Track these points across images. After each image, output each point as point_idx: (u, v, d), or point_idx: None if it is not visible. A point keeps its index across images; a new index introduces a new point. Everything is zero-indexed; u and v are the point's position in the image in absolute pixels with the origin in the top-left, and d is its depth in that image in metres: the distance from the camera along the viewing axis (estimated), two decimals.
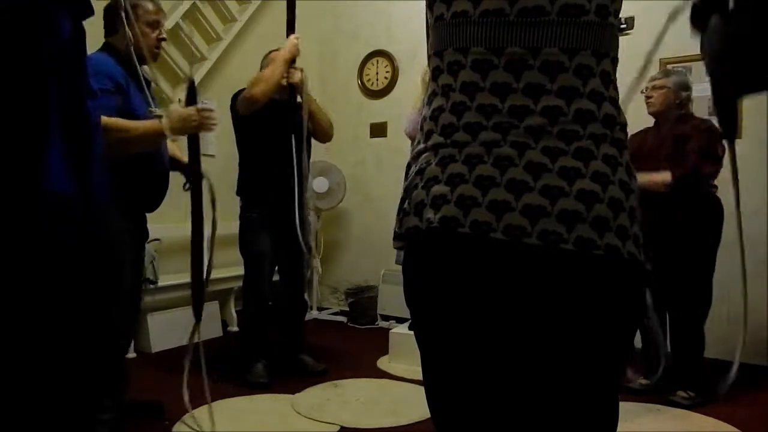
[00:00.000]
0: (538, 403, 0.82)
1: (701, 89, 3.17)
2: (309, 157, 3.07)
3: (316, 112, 3.05)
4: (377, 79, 4.89)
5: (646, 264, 0.83)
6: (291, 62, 2.92)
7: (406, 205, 0.90)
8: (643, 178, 2.28)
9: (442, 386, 0.90)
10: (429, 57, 0.92)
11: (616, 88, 0.85)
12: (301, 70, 2.95)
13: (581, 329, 0.79)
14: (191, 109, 2.07)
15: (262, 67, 3.12)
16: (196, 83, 4.16)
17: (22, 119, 1.24)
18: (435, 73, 0.89)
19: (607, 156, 0.80)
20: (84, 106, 1.40)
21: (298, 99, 2.98)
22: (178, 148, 2.45)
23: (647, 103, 2.89)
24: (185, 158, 2.28)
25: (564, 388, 0.81)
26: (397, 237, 0.94)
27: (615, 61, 0.85)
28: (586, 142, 0.79)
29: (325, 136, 3.22)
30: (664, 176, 2.70)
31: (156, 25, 2.25)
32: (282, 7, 4.04)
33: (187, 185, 2.33)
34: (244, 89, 2.99)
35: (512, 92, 0.80)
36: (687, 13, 0.83)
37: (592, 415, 0.83)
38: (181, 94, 3.88)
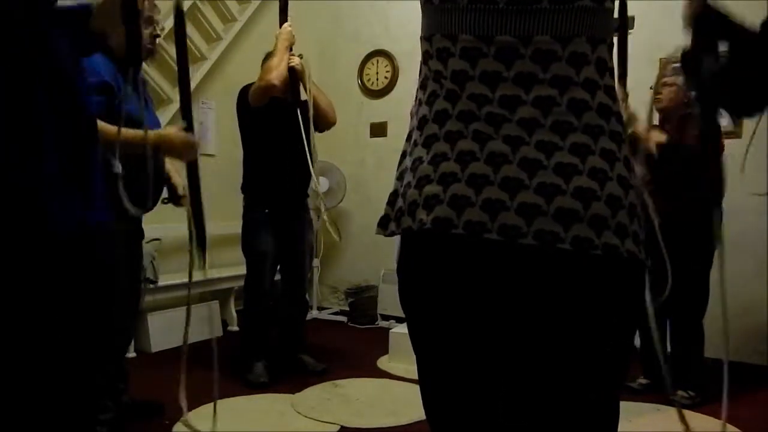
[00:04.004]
0: (537, 406, 0.81)
1: None
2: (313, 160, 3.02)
3: (317, 95, 2.98)
4: (377, 79, 4.89)
5: (646, 261, 0.81)
6: (289, 49, 2.88)
7: (401, 204, 0.87)
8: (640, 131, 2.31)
9: (439, 388, 0.88)
10: (420, 39, 0.88)
11: (612, 76, 0.81)
12: (300, 56, 2.93)
13: (580, 330, 0.78)
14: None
15: (262, 67, 3.10)
16: (195, 83, 4.12)
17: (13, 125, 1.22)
18: (425, 56, 0.86)
19: (605, 150, 0.77)
20: (82, 114, 1.40)
21: (302, 94, 2.97)
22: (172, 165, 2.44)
23: (655, 99, 2.90)
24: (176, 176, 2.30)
25: (563, 389, 0.80)
26: (396, 234, 0.90)
27: (611, 47, 0.82)
28: (583, 136, 0.76)
29: (326, 118, 3.05)
30: (659, 137, 2.70)
31: (150, 21, 2.14)
32: None
33: (167, 200, 2.35)
34: (249, 85, 2.97)
35: (503, 81, 0.77)
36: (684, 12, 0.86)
37: (592, 417, 0.82)
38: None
